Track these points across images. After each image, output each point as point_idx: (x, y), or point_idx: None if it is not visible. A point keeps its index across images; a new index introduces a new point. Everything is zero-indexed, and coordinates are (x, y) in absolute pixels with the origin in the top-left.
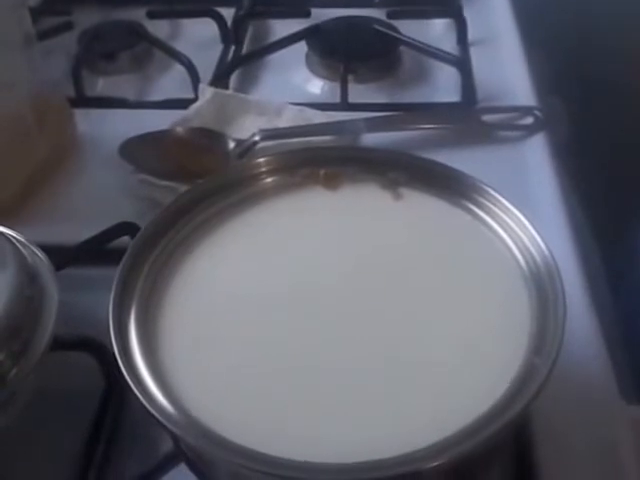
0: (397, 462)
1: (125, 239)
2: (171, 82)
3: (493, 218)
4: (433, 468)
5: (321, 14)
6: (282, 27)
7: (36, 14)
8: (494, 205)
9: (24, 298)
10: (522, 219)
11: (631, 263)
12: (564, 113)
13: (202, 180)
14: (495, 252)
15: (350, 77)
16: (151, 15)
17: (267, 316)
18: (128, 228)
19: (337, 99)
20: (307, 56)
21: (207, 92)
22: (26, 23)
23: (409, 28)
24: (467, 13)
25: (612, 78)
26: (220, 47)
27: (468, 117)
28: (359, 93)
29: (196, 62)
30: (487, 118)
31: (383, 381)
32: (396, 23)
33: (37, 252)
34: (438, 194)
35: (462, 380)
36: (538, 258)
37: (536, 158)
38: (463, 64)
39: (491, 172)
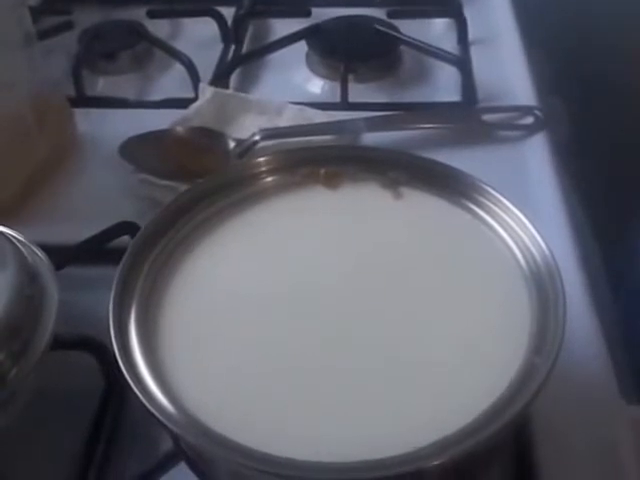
0: (397, 461)
1: (125, 238)
2: (171, 81)
3: (493, 217)
4: (433, 467)
5: (321, 13)
6: (282, 26)
7: (36, 13)
8: (494, 204)
9: (24, 298)
10: (522, 218)
11: (631, 263)
12: (564, 113)
13: (202, 179)
14: (495, 252)
15: (350, 76)
16: (151, 14)
17: (267, 315)
18: (128, 227)
19: (337, 98)
20: (307, 55)
21: (207, 91)
22: (26, 22)
23: (409, 28)
24: (467, 13)
25: (612, 78)
26: (220, 46)
27: (468, 117)
28: (359, 92)
29: (196, 61)
30: (487, 118)
31: (383, 381)
32: (396, 22)
33: (37, 252)
34: (438, 193)
35: (462, 380)
36: (538, 258)
37: (536, 158)
38: (463, 64)
39: (491, 172)
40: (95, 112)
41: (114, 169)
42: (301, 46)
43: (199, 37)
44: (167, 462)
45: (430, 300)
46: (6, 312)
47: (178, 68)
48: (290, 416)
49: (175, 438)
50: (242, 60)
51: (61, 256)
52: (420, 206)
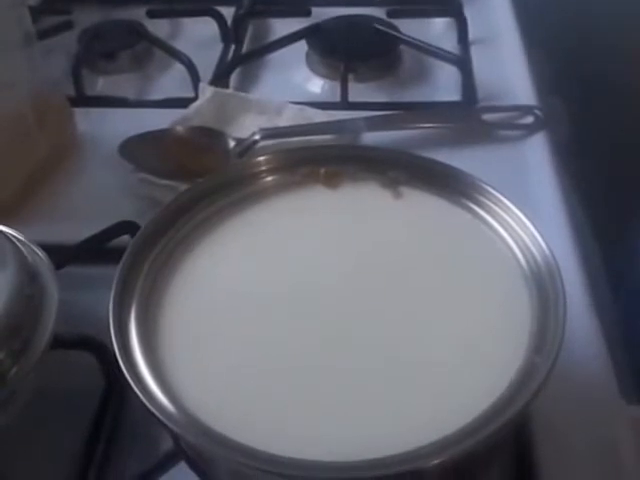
0: (397, 460)
1: (125, 238)
2: (171, 81)
3: (493, 217)
4: (433, 466)
5: (321, 13)
6: (282, 26)
7: (36, 13)
8: (494, 204)
9: (24, 297)
10: (522, 218)
11: (631, 263)
12: (564, 113)
13: (202, 179)
14: (495, 251)
15: (350, 76)
16: (151, 14)
17: (267, 315)
18: (128, 227)
19: (337, 98)
20: (307, 55)
21: (207, 91)
22: (26, 22)
23: (409, 27)
24: (468, 12)
25: (612, 78)
26: (220, 46)
27: (468, 116)
28: (359, 92)
29: (196, 61)
30: (487, 117)
31: (383, 381)
32: (396, 22)
33: (37, 251)
34: (438, 193)
35: (462, 380)
36: (539, 257)
37: (536, 157)
38: (463, 63)
39: (491, 171)
40: (95, 112)
41: (114, 168)
42: (301, 46)
43: (199, 37)
44: (167, 462)
45: (430, 300)
46: (6, 311)
47: (178, 68)
48: (290, 416)
49: (175, 437)
50: (242, 60)
51: (61, 255)
52: (420, 206)
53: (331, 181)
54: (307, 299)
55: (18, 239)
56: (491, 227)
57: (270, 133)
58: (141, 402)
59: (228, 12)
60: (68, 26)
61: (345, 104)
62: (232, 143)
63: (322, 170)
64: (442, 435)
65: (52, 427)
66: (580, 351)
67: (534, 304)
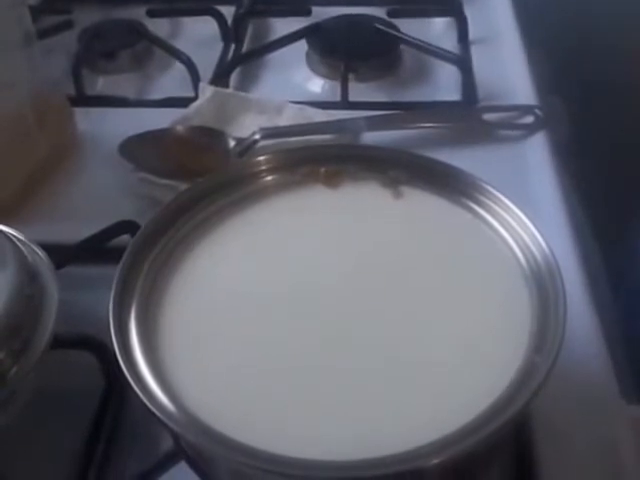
0: (397, 460)
1: (125, 237)
2: (171, 81)
3: (494, 216)
4: (433, 465)
5: (322, 12)
6: (282, 25)
7: (36, 13)
8: (495, 203)
9: (24, 297)
10: (523, 217)
11: (631, 262)
12: (564, 112)
13: (202, 178)
14: (496, 251)
15: (351, 76)
16: (151, 14)
17: (267, 314)
18: (128, 226)
19: (337, 98)
20: (307, 55)
21: (207, 91)
22: (26, 22)
23: (410, 27)
24: (468, 12)
25: (612, 78)
26: (220, 45)
27: (469, 116)
28: (359, 92)
29: (196, 61)
30: (488, 117)
31: (383, 381)
32: (397, 22)
33: (37, 251)
34: (438, 192)
35: (462, 380)
36: (539, 257)
37: (536, 157)
38: (464, 63)
39: (491, 171)
40: (95, 111)
41: (114, 168)
42: (301, 45)
43: (199, 36)
44: (167, 461)
45: (430, 299)
46: (6, 311)
47: (178, 67)
48: (290, 415)
49: (175, 437)
50: (242, 59)
51: (61, 255)
52: (420, 205)
53: (331, 180)
54: (307, 299)
55: (18, 239)
56: (491, 227)
57: (270, 133)
58: (141, 401)
59: (228, 11)
60: (68, 25)
61: (345, 104)
62: (232, 143)
63: (322, 169)
64: (442, 435)
65: (52, 427)
66: (580, 350)
67: (534, 303)
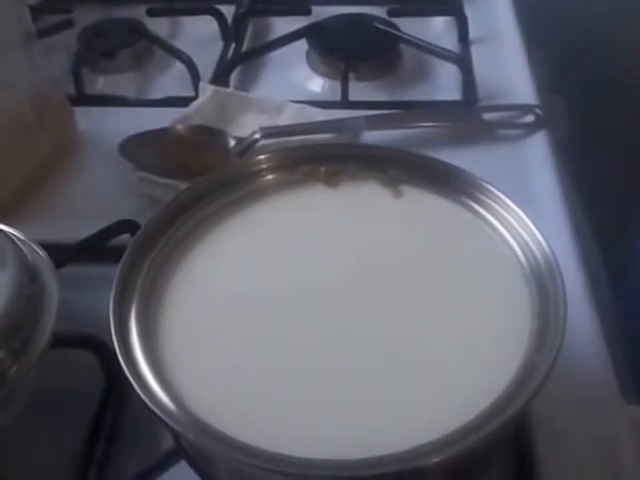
0: (397, 459)
1: (125, 237)
2: (171, 80)
3: (494, 215)
4: (433, 465)
5: (322, 12)
6: (282, 25)
7: (36, 12)
8: (495, 203)
9: (24, 296)
10: (523, 217)
11: (631, 262)
12: (564, 112)
13: (202, 178)
14: (496, 250)
15: (351, 75)
16: (151, 13)
17: (267, 314)
18: (128, 226)
19: (338, 97)
20: (308, 54)
21: (207, 90)
22: (26, 21)
23: (410, 26)
24: (468, 11)
25: (612, 78)
26: (220, 45)
27: (469, 115)
28: (360, 91)
29: (196, 60)
30: (488, 116)
31: (383, 381)
32: (397, 21)
33: (37, 250)
34: (439, 192)
35: (462, 379)
36: (539, 256)
37: (537, 156)
38: (464, 62)
39: (492, 170)
40: (95, 110)
41: (114, 167)
42: (301, 44)
43: (199, 35)
44: (168, 460)
45: (430, 299)
46: (6, 310)
47: (178, 66)
48: (290, 415)
49: (176, 436)
50: (242, 58)
51: (61, 254)
52: (420, 204)
53: (331, 180)
54: (307, 298)
55: (18, 238)
56: (491, 226)
57: (270, 132)
58: (141, 400)
59: (228, 11)
60: (68, 25)
61: (345, 103)
62: (232, 142)
63: (322, 169)
64: (442, 434)
65: (52, 426)
66: (580, 350)
67: (534, 302)
